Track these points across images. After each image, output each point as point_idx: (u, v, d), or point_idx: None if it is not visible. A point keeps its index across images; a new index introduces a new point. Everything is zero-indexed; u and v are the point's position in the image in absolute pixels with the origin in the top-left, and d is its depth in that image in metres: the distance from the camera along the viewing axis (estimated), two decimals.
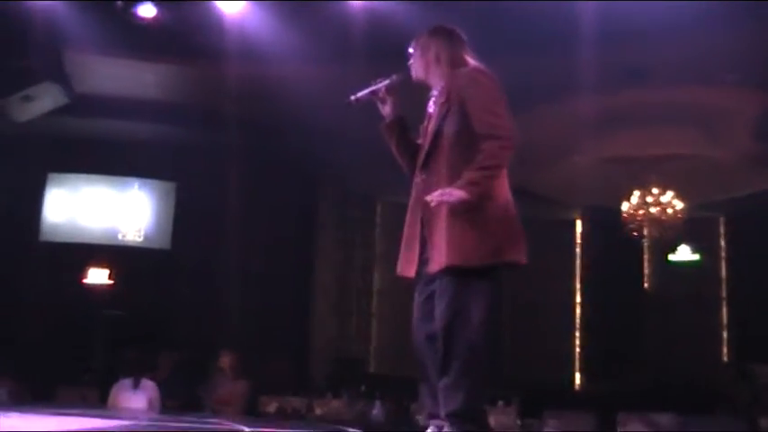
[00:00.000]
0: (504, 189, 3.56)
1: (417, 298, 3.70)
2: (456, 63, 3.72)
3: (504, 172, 3.56)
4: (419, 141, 3.80)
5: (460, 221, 3.40)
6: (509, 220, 3.53)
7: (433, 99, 3.78)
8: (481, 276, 3.47)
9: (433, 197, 3.38)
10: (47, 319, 12.26)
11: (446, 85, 3.67)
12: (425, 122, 3.78)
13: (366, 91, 3.86)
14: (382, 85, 3.84)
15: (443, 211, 3.45)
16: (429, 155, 3.64)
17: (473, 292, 3.45)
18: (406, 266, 3.70)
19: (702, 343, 16.23)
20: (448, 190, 3.36)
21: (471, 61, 3.74)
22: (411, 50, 3.85)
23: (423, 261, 3.62)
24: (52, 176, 13.53)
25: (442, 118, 3.61)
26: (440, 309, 3.47)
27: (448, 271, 3.43)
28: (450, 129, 3.57)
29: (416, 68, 3.82)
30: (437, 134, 3.61)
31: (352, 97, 3.87)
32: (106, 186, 13.72)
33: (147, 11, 8.84)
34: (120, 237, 13.57)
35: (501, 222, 3.50)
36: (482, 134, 3.46)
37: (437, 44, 3.76)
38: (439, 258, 3.46)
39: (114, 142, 12.80)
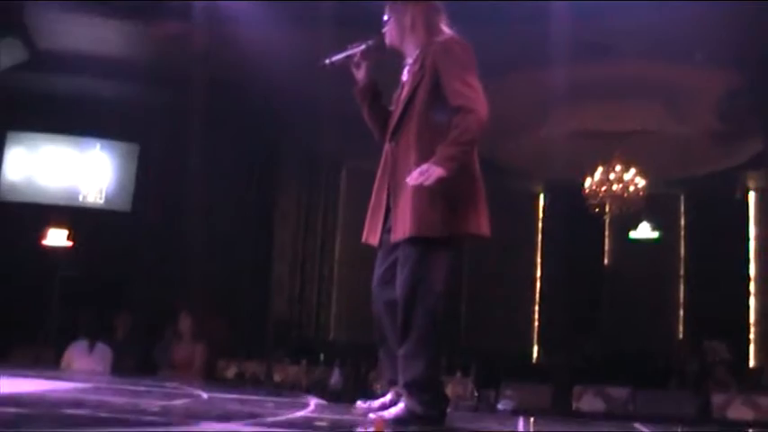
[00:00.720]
0: (472, 161, 3.54)
1: (378, 266, 3.69)
2: (432, 31, 3.67)
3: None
4: (391, 108, 3.76)
5: (426, 192, 3.37)
6: (475, 192, 3.52)
7: (407, 68, 3.74)
8: (443, 246, 3.47)
9: (412, 178, 3.34)
10: (2, 279, 12.09)
11: (420, 54, 3.64)
12: (398, 90, 3.75)
13: (341, 55, 3.82)
14: (358, 49, 3.80)
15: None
16: (399, 123, 3.62)
17: (435, 261, 3.45)
18: (371, 234, 3.69)
19: (659, 319, 16.45)
20: (426, 167, 3.32)
21: (446, 30, 3.70)
22: (386, 16, 3.80)
23: (386, 229, 3.61)
24: (11, 135, 13.29)
25: (415, 87, 3.58)
26: (401, 277, 3.46)
27: (411, 240, 3.42)
28: (421, 98, 3.55)
29: (391, 34, 3.77)
30: (409, 102, 3.59)
31: (327, 61, 3.83)
32: (67, 146, 13.51)
33: None
34: (80, 198, 13.40)
35: (466, 194, 3.49)
36: (455, 105, 3.44)
37: (413, 10, 3.72)
38: (402, 227, 3.45)
39: (76, 101, 12.58)
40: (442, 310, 3.45)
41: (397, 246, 3.51)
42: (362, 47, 3.79)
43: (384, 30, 3.80)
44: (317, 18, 8.57)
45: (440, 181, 3.30)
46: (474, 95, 3.44)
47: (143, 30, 10.66)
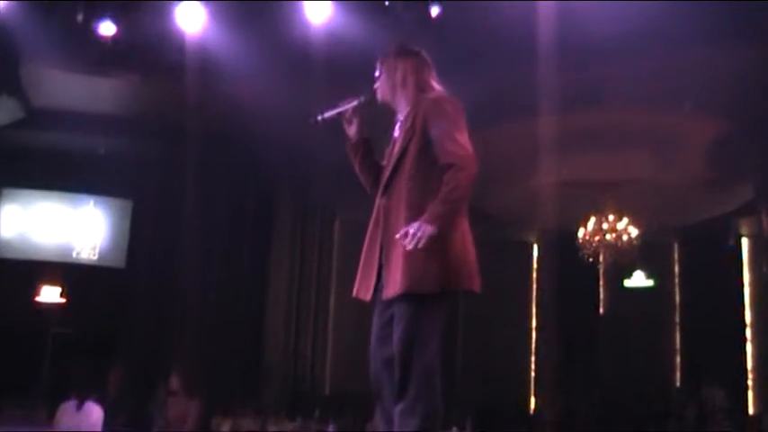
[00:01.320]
0: (463, 216, 3.56)
1: (376, 323, 3.69)
2: (422, 87, 3.70)
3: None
4: (383, 163, 3.80)
5: (415, 250, 3.35)
6: (465, 248, 3.53)
7: (398, 124, 3.78)
8: (437, 302, 3.49)
9: (407, 241, 3.34)
10: None
11: (411, 111, 3.67)
12: (390, 146, 3.78)
13: (333, 111, 3.84)
14: (349, 106, 3.82)
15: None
16: (391, 178, 3.63)
17: (429, 317, 3.45)
18: (363, 290, 3.69)
19: (655, 367, 16.39)
20: (417, 226, 3.32)
21: (436, 86, 3.74)
22: (377, 72, 3.85)
23: (380, 285, 3.62)
24: (5, 191, 13.33)
25: (406, 143, 3.59)
26: (397, 334, 3.46)
27: (405, 297, 3.44)
28: (412, 154, 3.56)
29: (383, 90, 3.79)
30: (400, 158, 3.60)
31: (318, 117, 3.86)
32: (60, 203, 13.55)
33: (107, 29, 8.78)
34: (74, 254, 13.40)
35: (457, 251, 3.49)
36: (444, 163, 3.46)
37: (404, 67, 3.74)
38: (394, 284, 3.46)
39: (70, 158, 12.67)
40: (439, 364, 3.46)
41: (391, 302, 3.53)
42: (354, 103, 3.83)
43: (375, 85, 3.84)
44: (309, 72, 8.66)
45: (431, 239, 3.33)
46: (463, 152, 3.47)
47: (136, 86, 10.76)
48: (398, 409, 3.42)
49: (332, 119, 3.84)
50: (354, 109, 3.81)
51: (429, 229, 3.31)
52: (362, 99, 3.80)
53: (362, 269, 3.70)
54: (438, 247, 3.37)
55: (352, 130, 3.85)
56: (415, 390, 3.38)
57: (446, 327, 3.52)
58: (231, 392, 11.65)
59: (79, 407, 8.53)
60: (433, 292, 3.41)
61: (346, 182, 4.04)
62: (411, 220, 3.41)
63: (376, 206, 3.70)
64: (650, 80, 9.72)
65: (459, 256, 3.48)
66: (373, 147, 3.88)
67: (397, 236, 3.38)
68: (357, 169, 3.88)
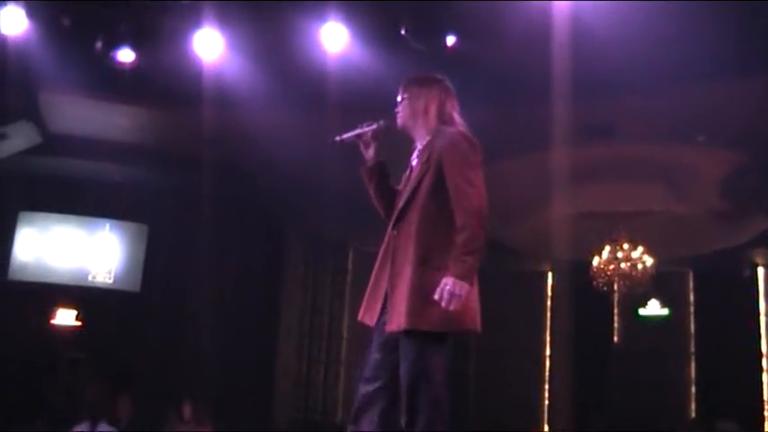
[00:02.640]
0: None
1: (373, 347, 3.71)
2: (443, 118, 3.73)
3: None
4: (399, 188, 3.82)
5: (422, 287, 3.43)
6: (470, 289, 3.55)
7: (416, 152, 3.80)
8: (440, 340, 3.51)
9: (445, 300, 3.37)
10: (11, 357, 12.08)
11: (429, 143, 3.69)
12: (407, 173, 3.80)
13: (352, 133, 3.88)
14: (368, 129, 3.86)
15: (407, 272, 3.50)
16: (404, 210, 3.66)
17: (432, 355, 3.48)
18: (368, 315, 3.72)
19: (670, 397, 16.27)
20: (450, 286, 3.35)
21: (457, 119, 3.76)
22: (399, 97, 3.87)
23: (384, 312, 3.65)
24: (22, 215, 13.42)
25: (421, 176, 3.63)
26: (403, 370, 3.50)
27: (409, 334, 3.47)
28: (425, 189, 3.59)
29: (403, 116, 3.82)
30: (414, 191, 3.63)
31: (337, 138, 3.89)
32: (77, 227, 13.62)
33: (125, 55, 8.86)
34: (89, 278, 13.46)
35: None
36: (457, 204, 3.48)
37: (427, 95, 3.77)
38: (397, 319, 3.49)
39: (86, 183, 12.77)
40: (446, 392, 3.48)
41: (394, 334, 3.56)
42: (373, 126, 3.86)
43: (397, 110, 3.87)
44: (324, 103, 8.71)
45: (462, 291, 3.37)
46: (474, 193, 3.48)
47: (153, 114, 10.85)
48: None
49: (350, 141, 3.88)
50: (373, 133, 3.85)
51: (466, 287, 3.36)
52: (382, 123, 3.84)
53: (369, 295, 3.73)
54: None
55: (369, 154, 3.89)
56: (425, 421, 3.40)
57: (452, 357, 3.56)
58: (243, 421, 11.64)
59: (92, 429, 8.57)
60: (435, 330, 3.44)
61: (360, 212, 4.06)
62: (418, 254, 3.49)
63: (387, 234, 3.73)
64: (664, 112, 9.73)
65: (469, 298, 3.50)
66: (389, 172, 3.91)
67: (435, 296, 3.39)
68: (371, 193, 3.91)
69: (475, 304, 3.57)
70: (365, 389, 3.64)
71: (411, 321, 3.44)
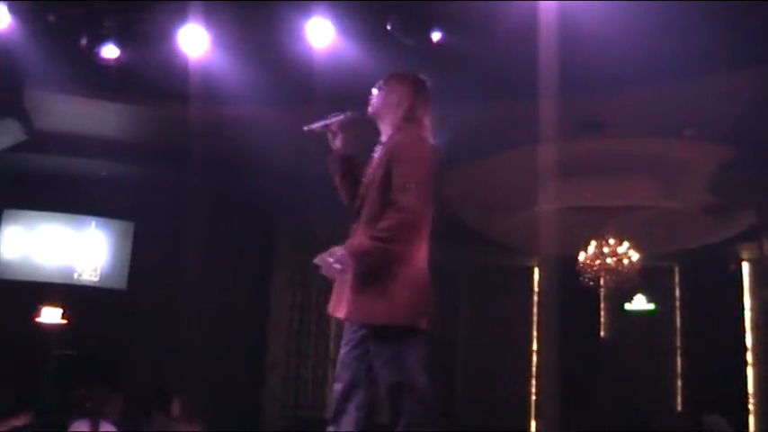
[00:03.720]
0: (416, 257, 3.58)
1: (344, 341, 3.74)
2: (411, 117, 3.75)
3: (422, 240, 3.60)
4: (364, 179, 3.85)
5: (361, 279, 3.49)
6: (414, 287, 3.54)
7: (378, 147, 3.82)
8: (411, 334, 3.51)
9: (328, 267, 3.50)
10: None
11: (388, 142, 3.74)
12: (369, 167, 3.82)
13: (320, 123, 3.91)
14: (336, 120, 3.87)
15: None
16: (361, 205, 3.72)
17: (407, 349, 3.50)
18: (336, 308, 3.74)
19: (656, 392, 16.33)
20: (340, 255, 3.46)
21: (426, 122, 3.78)
22: (376, 88, 3.88)
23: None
24: (7, 213, 13.36)
25: (374, 172, 3.69)
26: (379, 368, 3.53)
27: (376, 333, 3.51)
28: (375, 185, 3.64)
29: (375, 105, 3.86)
30: (367, 187, 3.71)
31: (306, 127, 3.92)
32: (63, 224, 13.56)
33: (110, 52, 8.81)
34: (75, 276, 13.40)
35: (404, 288, 3.50)
36: (394, 201, 3.51)
37: (403, 91, 3.80)
38: (342, 308, 3.60)
39: (72, 180, 12.70)
40: (428, 391, 3.48)
41: (356, 331, 3.62)
42: (340, 117, 3.87)
43: (371, 98, 3.87)
44: (311, 98, 8.69)
45: (354, 272, 3.46)
46: (408, 199, 3.48)
47: (139, 110, 10.80)
48: None
49: (318, 130, 3.90)
50: (339, 123, 3.86)
51: (349, 265, 3.45)
52: (349, 114, 3.85)
53: (337, 288, 3.77)
54: (382, 282, 3.47)
55: (336, 144, 3.93)
56: (408, 419, 3.42)
57: (432, 351, 3.55)
58: (232, 417, 11.62)
59: (93, 426, 8.52)
60: (374, 323, 3.47)
61: (348, 208, 4.07)
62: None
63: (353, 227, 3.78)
64: (652, 107, 9.75)
65: (405, 294, 3.48)
66: (356, 164, 3.93)
67: (319, 257, 3.52)
68: (336, 184, 3.95)
69: (421, 299, 3.56)
70: (336, 387, 3.68)
71: (347, 311, 3.54)
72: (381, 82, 3.88)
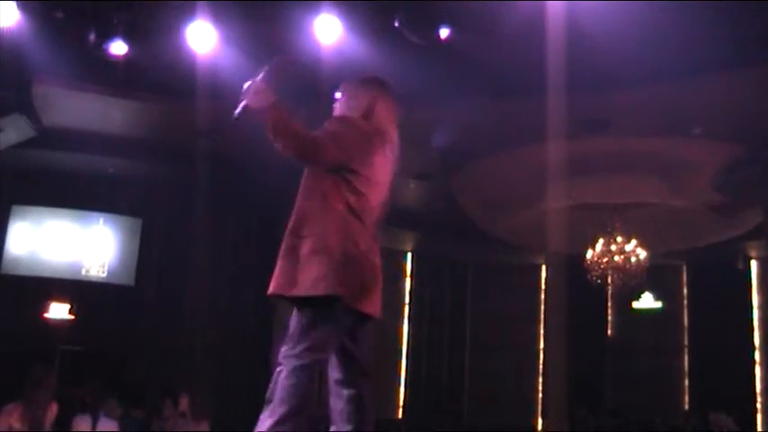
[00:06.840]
0: (337, 230, 3.45)
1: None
2: (367, 115, 3.65)
3: (351, 221, 3.48)
4: None
5: (286, 256, 3.47)
6: (349, 262, 3.40)
7: None
8: (325, 311, 3.44)
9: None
10: (4, 351, 12.05)
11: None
12: None
13: (239, 108, 3.55)
14: (240, 107, 3.56)
15: (286, 237, 3.51)
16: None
17: (317, 326, 3.47)
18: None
19: (663, 390, 16.32)
20: (254, 91, 3.47)
21: (385, 123, 3.67)
22: (339, 93, 3.79)
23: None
24: (15, 209, 13.38)
25: None
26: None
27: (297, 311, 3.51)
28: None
29: (336, 108, 3.76)
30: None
31: (234, 116, 3.68)
32: (70, 220, 13.59)
33: (118, 48, 8.82)
34: (83, 272, 13.43)
35: (318, 258, 3.40)
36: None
37: (363, 94, 3.72)
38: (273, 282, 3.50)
39: (80, 176, 12.73)
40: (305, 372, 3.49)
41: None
42: (237, 109, 3.55)
43: (335, 105, 3.78)
44: (318, 95, 8.68)
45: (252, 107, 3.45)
46: (322, 130, 3.44)
47: (147, 107, 10.82)
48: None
49: (242, 114, 3.67)
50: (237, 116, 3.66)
51: (254, 102, 3.45)
52: (236, 114, 3.56)
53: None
54: (299, 253, 3.44)
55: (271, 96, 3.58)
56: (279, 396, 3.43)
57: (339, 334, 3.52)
58: (237, 415, 11.63)
59: (94, 421, 8.56)
60: (299, 294, 3.43)
61: None
62: (291, 224, 3.56)
63: None
64: (659, 105, 9.74)
65: (317, 264, 3.39)
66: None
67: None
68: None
69: (341, 272, 3.38)
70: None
71: (275, 287, 3.46)
72: (342, 86, 3.80)
